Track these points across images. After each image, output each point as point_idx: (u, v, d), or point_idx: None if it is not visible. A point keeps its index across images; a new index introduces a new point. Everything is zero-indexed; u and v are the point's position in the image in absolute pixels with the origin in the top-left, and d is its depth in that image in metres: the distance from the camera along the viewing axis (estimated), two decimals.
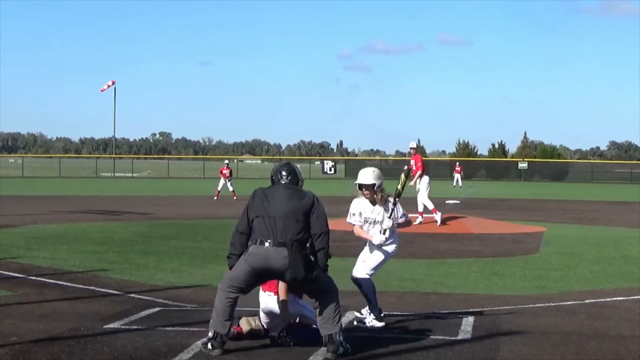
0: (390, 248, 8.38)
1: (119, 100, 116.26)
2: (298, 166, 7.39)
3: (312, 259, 6.94)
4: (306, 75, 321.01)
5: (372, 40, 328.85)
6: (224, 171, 35.54)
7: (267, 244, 6.76)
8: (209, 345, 6.88)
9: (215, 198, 34.37)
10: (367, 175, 8.22)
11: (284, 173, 7.14)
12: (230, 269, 7.00)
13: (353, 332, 7.80)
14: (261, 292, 7.40)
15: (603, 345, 7.50)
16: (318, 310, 7.00)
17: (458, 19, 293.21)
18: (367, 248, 8.44)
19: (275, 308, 7.22)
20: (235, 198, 33.47)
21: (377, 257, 8.37)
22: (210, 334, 6.92)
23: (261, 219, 6.84)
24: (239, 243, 6.96)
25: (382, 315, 8.32)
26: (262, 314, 7.38)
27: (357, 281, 8.35)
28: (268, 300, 7.29)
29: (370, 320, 8.24)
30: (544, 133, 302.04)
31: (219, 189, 35.43)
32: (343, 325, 7.14)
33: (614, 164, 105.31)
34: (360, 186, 8.23)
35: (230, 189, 34.88)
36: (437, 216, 20.58)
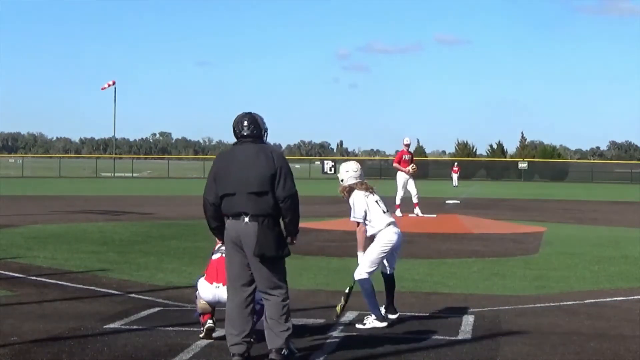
0: (381, 241, 8.27)
1: (119, 100, 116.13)
2: (261, 116, 6.83)
3: (285, 235, 6.58)
4: (305, 75, 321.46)
5: (371, 40, 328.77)
6: None
7: (239, 219, 6.47)
8: (232, 354, 6.55)
9: None
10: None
11: (245, 124, 6.66)
12: (221, 242, 6.85)
13: (353, 332, 7.81)
14: (207, 284, 7.37)
15: (603, 345, 7.50)
16: (266, 311, 6.58)
17: (456, 19, 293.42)
18: None
19: (224, 298, 7.02)
20: None
21: (368, 252, 8.31)
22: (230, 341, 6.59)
23: (231, 195, 6.50)
24: (215, 214, 6.65)
25: (395, 314, 8.43)
26: (203, 301, 7.42)
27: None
28: (217, 292, 7.30)
29: (371, 322, 8.23)
30: (543, 133, 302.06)
31: None
32: (292, 330, 6.63)
33: (614, 164, 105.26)
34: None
35: None
36: (398, 211, 21.44)
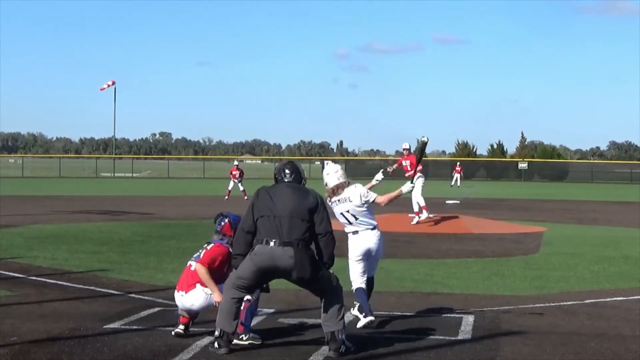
0: (350, 249, 8.32)
1: (119, 100, 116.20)
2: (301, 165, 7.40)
3: (317, 258, 6.95)
4: (304, 75, 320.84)
5: (370, 40, 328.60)
6: (234, 172, 36.24)
7: (272, 244, 6.77)
8: (216, 344, 6.88)
9: (226, 197, 34.64)
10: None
11: (287, 172, 7.15)
12: (235, 269, 7.00)
13: (353, 332, 7.81)
14: (176, 291, 7.66)
15: (603, 345, 7.50)
16: (322, 308, 7.00)
17: (456, 19, 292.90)
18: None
19: (188, 305, 7.50)
20: (245, 198, 33.48)
21: (350, 266, 8.39)
22: (216, 333, 6.91)
23: (266, 218, 6.84)
24: (244, 242, 6.94)
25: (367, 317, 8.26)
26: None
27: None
28: (181, 299, 7.56)
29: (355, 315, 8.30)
30: (543, 133, 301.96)
31: (229, 188, 36.07)
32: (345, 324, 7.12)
33: (614, 164, 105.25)
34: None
35: (241, 188, 35.52)
36: (424, 214, 20.68)
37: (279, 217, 6.82)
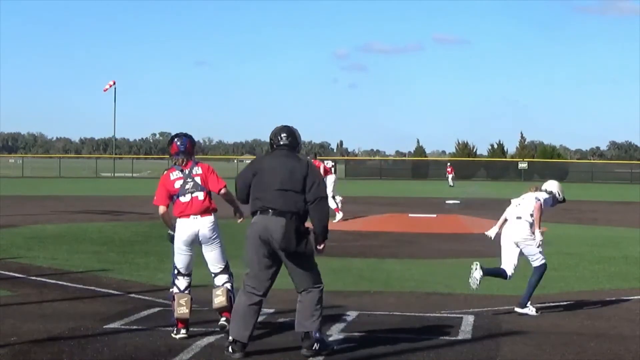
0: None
1: (119, 100, 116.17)
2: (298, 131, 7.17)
3: (311, 234, 6.79)
4: (304, 75, 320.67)
5: (369, 40, 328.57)
6: None
7: (266, 213, 6.73)
8: (230, 349, 6.74)
9: None
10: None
11: (283, 135, 7.01)
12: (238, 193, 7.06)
13: (353, 332, 7.81)
14: (185, 220, 7.53)
15: (603, 345, 7.50)
16: (298, 304, 6.82)
17: (456, 19, 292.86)
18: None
19: (197, 229, 7.46)
20: None
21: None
22: (230, 338, 6.78)
23: (261, 189, 6.79)
24: (242, 192, 6.95)
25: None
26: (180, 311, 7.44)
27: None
28: (193, 223, 7.51)
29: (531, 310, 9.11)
30: (543, 133, 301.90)
31: None
32: (322, 323, 6.89)
33: (614, 164, 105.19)
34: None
35: None
36: (338, 216, 21.83)
37: (273, 189, 6.74)
